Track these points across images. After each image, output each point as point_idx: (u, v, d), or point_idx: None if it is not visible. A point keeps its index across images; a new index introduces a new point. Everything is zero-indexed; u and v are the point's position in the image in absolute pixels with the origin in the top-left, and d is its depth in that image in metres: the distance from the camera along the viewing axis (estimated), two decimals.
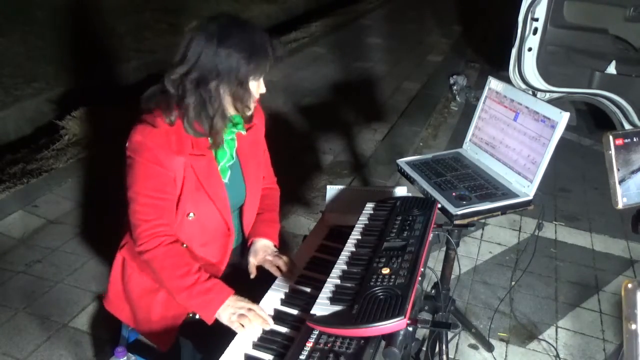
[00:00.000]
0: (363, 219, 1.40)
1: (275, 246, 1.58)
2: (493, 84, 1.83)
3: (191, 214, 1.42)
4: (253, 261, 1.52)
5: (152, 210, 1.36)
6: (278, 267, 1.48)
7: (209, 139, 1.39)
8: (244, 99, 1.36)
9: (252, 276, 1.51)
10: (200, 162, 1.39)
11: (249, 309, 1.28)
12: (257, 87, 1.39)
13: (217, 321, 1.31)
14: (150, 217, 1.36)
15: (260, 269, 1.52)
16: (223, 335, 1.25)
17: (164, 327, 1.49)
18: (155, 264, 1.36)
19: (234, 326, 1.26)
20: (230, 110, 1.39)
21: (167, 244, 1.37)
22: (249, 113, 1.43)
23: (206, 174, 1.41)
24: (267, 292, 1.39)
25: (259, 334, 1.24)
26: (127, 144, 1.36)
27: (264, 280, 1.45)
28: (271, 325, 1.26)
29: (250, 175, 1.55)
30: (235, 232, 1.58)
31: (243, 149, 1.52)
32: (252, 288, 1.42)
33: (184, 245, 1.44)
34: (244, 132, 1.48)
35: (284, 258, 1.50)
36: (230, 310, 1.29)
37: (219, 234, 1.51)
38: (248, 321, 1.25)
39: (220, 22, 1.32)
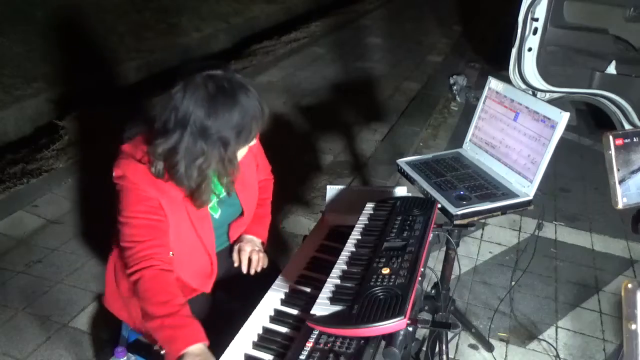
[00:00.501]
0: (363, 219, 1.40)
1: (262, 243, 1.63)
2: (493, 84, 1.83)
3: (170, 253, 1.38)
4: (235, 247, 1.58)
5: (147, 231, 1.31)
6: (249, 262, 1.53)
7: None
8: (229, 171, 1.33)
9: (236, 264, 1.55)
10: (190, 205, 1.37)
11: None
12: (245, 149, 1.36)
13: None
14: (145, 238, 1.31)
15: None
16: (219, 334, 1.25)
17: None
18: (140, 285, 1.29)
19: None
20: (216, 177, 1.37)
21: (158, 268, 1.31)
22: (229, 182, 1.40)
23: (198, 216, 1.40)
24: (266, 292, 1.39)
25: (244, 353, 1.18)
26: (113, 173, 1.34)
27: (261, 282, 1.45)
28: None
29: (246, 200, 1.56)
30: (224, 237, 1.60)
31: (237, 177, 1.48)
32: (250, 289, 1.43)
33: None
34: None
35: (260, 254, 1.56)
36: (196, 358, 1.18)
37: (202, 266, 1.50)
38: None
39: (208, 89, 1.22)
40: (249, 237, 1.62)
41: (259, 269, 1.56)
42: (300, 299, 1.36)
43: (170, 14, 6.55)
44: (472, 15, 8.10)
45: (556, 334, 2.30)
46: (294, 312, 1.32)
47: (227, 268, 1.62)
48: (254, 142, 1.40)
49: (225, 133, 1.25)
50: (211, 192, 1.38)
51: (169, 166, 1.28)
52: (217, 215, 1.50)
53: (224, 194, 1.48)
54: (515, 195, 1.65)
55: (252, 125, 1.29)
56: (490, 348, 2.16)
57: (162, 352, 1.31)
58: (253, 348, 1.22)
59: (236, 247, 1.59)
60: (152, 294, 1.28)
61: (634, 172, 1.09)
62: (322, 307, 1.10)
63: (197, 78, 1.24)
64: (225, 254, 1.63)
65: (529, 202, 1.64)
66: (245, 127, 1.27)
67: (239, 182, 1.50)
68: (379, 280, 1.10)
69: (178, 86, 1.25)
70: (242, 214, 1.59)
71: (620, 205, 1.10)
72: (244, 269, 1.54)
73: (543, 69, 3.83)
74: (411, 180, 1.79)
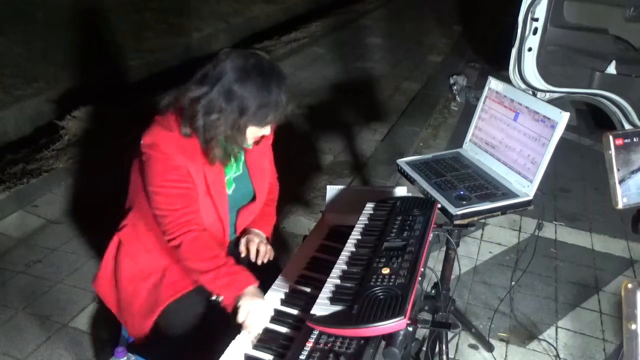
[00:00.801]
0: (363, 219, 1.40)
1: (267, 238, 1.66)
2: (493, 84, 1.83)
3: None
4: (243, 240, 1.61)
5: (179, 199, 1.40)
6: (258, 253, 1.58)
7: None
8: (237, 140, 1.40)
9: (243, 254, 1.59)
10: (212, 172, 1.45)
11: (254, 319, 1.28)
12: (257, 131, 1.42)
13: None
14: (178, 206, 1.39)
15: (256, 267, 1.56)
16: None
17: (142, 317, 1.51)
18: (184, 248, 1.39)
19: (243, 324, 1.26)
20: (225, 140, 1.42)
21: (198, 231, 1.41)
22: (236, 151, 1.46)
23: (215, 184, 1.47)
24: (267, 292, 1.39)
25: (244, 353, 1.21)
26: (141, 141, 1.40)
27: (264, 279, 1.45)
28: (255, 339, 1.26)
29: (258, 184, 1.62)
30: (231, 228, 1.63)
31: (252, 160, 1.59)
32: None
33: None
34: (250, 146, 1.52)
35: (268, 247, 1.60)
36: (248, 299, 1.30)
37: (216, 234, 1.55)
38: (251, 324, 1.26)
39: (249, 60, 1.34)
40: (255, 230, 1.65)
41: (265, 260, 1.59)
42: (300, 299, 1.36)
43: (170, 14, 6.55)
44: (472, 15, 8.10)
45: (556, 334, 2.30)
46: (294, 312, 1.33)
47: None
48: (267, 131, 1.44)
49: (246, 103, 1.33)
50: (222, 152, 1.42)
51: (190, 115, 1.36)
52: (230, 191, 1.54)
53: (240, 171, 1.56)
54: (515, 195, 1.65)
55: (270, 110, 1.36)
56: (490, 348, 2.16)
57: (220, 299, 1.40)
58: (253, 348, 1.22)
59: (243, 240, 1.62)
60: (198, 252, 1.39)
61: (634, 172, 1.09)
62: (322, 307, 1.10)
63: (244, 51, 1.38)
64: (230, 247, 1.64)
65: (529, 202, 1.64)
66: (264, 108, 1.34)
67: (254, 167, 1.59)
68: (379, 280, 1.10)
69: (226, 49, 1.38)
70: (253, 198, 1.63)
71: (620, 205, 1.10)
72: (253, 258, 1.58)
73: (543, 69, 3.83)
74: (411, 180, 1.79)
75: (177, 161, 1.38)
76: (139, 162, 1.46)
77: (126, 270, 1.55)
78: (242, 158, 1.58)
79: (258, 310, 1.28)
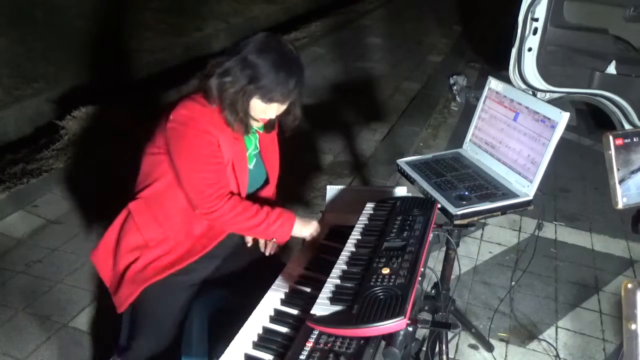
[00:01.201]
0: (363, 219, 1.40)
1: None
2: (493, 84, 1.83)
3: None
4: None
5: (212, 175, 1.47)
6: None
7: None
8: (237, 106, 1.43)
9: (249, 244, 1.67)
10: (237, 146, 1.52)
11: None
12: (261, 107, 1.46)
13: None
14: (212, 182, 1.47)
15: (258, 264, 1.61)
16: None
17: (129, 287, 1.53)
18: (226, 217, 1.49)
19: (309, 237, 1.57)
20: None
21: (233, 198, 1.51)
22: (234, 126, 1.48)
23: (239, 157, 1.54)
24: (267, 292, 1.39)
25: (244, 353, 1.20)
26: (171, 117, 1.44)
27: (264, 277, 1.46)
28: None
29: (270, 165, 1.70)
30: None
31: (264, 143, 1.66)
32: (252, 284, 1.48)
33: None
34: (261, 131, 1.61)
35: (274, 239, 1.64)
36: (303, 226, 1.57)
37: None
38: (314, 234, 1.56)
39: (272, 41, 1.44)
40: None
41: (273, 251, 1.67)
42: (300, 299, 1.36)
43: (170, 14, 6.55)
44: (472, 15, 8.10)
45: (556, 334, 2.30)
46: (294, 312, 1.32)
47: (233, 260, 1.67)
48: (272, 114, 1.49)
49: (256, 73, 1.40)
50: (231, 115, 1.46)
51: (208, 75, 1.44)
52: (251, 166, 1.61)
53: (257, 149, 1.64)
54: (515, 195, 1.64)
55: (277, 87, 1.42)
56: (490, 348, 2.16)
57: (273, 241, 1.62)
58: (253, 348, 1.22)
59: None
60: (242, 213, 1.50)
61: (634, 172, 1.09)
62: (322, 307, 1.10)
63: (274, 35, 1.47)
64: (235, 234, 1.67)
65: (529, 202, 1.64)
66: (272, 84, 1.41)
67: (266, 150, 1.66)
68: (379, 280, 1.10)
69: (263, 33, 1.47)
70: (266, 181, 1.70)
71: (620, 205, 1.10)
72: (262, 248, 1.67)
73: (543, 69, 3.83)
74: (411, 180, 1.79)
75: (211, 134, 1.44)
76: (165, 139, 1.49)
77: (130, 239, 1.56)
78: (257, 137, 1.63)
79: (311, 227, 1.58)
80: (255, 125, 1.55)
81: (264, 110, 1.47)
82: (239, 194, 1.57)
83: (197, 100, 1.46)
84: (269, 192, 1.73)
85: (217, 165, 1.48)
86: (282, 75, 1.41)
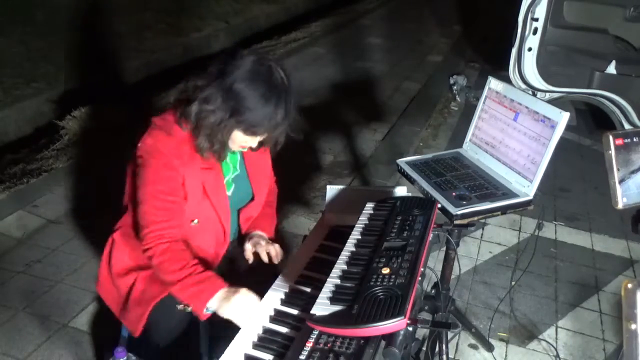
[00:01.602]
0: (363, 219, 1.40)
1: (270, 238, 1.64)
2: (493, 84, 1.83)
3: (195, 221, 1.48)
4: (249, 247, 1.58)
5: (163, 212, 1.40)
6: (269, 255, 1.56)
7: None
8: (216, 137, 1.35)
9: (250, 261, 1.58)
10: (209, 175, 1.45)
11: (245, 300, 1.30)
12: (243, 139, 1.39)
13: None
14: (160, 219, 1.39)
15: (256, 268, 1.55)
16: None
17: (137, 306, 1.51)
18: (155, 260, 1.40)
19: (234, 320, 1.27)
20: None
21: (169, 243, 1.41)
22: (213, 155, 1.42)
23: (213, 187, 1.46)
24: (266, 292, 1.39)
25: (244, 353, 1.20)
26: (139, 145, 1.40)
27: (262, 280, 1.45)
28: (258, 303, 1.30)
29: (257, 183, 1.61)
30: (233, 228, 1.64)
31: (250, 160, 1.58)
32: (250, 287, 1.42)
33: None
34: (233, 151, 1.50)
35: (276, 246, 1.57)
36: (225, 303, 1.30)
37: (217, 235, 1.56)
38: (247, 313, 1.27)
39: (262, 66, 1.32)
40: (258, 232, 1.63)
41: (278, 260, 1.57)
42: (300, 299, 1.36)
43: (170, 14, 6.55)
44: (472, 15, 8.10)
45: (556, 334, 2.30)
46: (294, 312, 1.32)
47: (234, 256, 1.65)
48: (254, 143, 1.42)
49: (240, 106, 1.31)
50: (207, 144, 1.38)
51: (189, 99, 1.35)
52: (230, 193, 1.53)
53: (238, 171, 1.55)
54: (515, 195, 1.64)
55: (261, 122, 1.33)
56: (490, 348, 2.16)
57: (189, 309, 1.43)
58: (253, 348, 1.22)
59: (249, 245, 1.58)
60: (167, 265, 1.39)
61: (634, 172, 1.09)
62: (322, 307, 1.10)
63: (264, 57, 1.36)
64: (233, 247, 1.65)
65: (529, 202, 1.64)
66: (255, 118, 1.32)
67: (253, 166, 1.58)
68: (379, 280, 1.10)
69: (245, 51, 1.36)
70: (252, 198, 1.63)
71: (620, 205, 1.10)
72: (266, 260, 1.56)
73: (543, 69, 3.83)
74: (411, 180, 1.79)
75: (174, 169, 1.37)
76: (134, 166, 1.45)
77: (119, 265, 1.56)
78: (239, 158, 1.57)
79: (234, 309, 1.28)
80: (213, 155, 1.44)
81: (245, 141, 1.40)
82: (221, 224, 1.51)
83: (164, 126, 1.38)
84: (253, 210, 1.64)
85: (171, 204, 1.40)
86: (269, 109, 1.32)
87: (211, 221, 1.51)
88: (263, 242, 1.58)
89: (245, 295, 1.31)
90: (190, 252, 1.46)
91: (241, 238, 1.67)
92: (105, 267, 1.62)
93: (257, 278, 1.52)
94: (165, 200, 1.39)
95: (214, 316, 1.37)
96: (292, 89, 1.37)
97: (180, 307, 1.47)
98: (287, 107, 1.35)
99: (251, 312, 1.27)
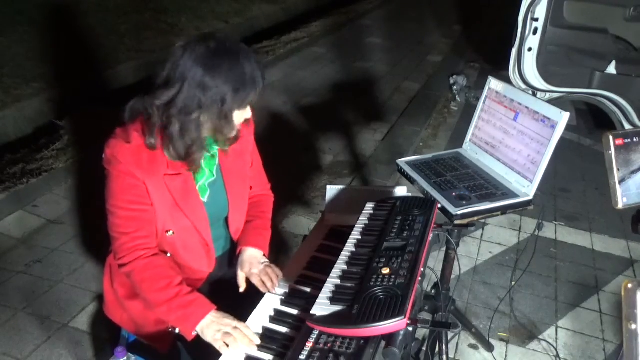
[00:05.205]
0: (363, 219, 1.40)
1: (264, 255, 1.53)
2: (493, 84, 1.83)
3: (170, 232, 1.39)
4: (242, 274, 1.47)
5: (132, 222, 1.32)
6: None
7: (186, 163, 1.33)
8: (225, 131, 1.30)
9: (242, 289, 1.47)
10: (176, 181, 1.35)
11: (235, 327, 1.23)
12: (241, 115, 1.32)
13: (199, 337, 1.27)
14: (130, 230, 1.32)
15: (249, 282, 1.47)
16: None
17: (160, 328, 1.46)
18: (134, 277, 1.33)
19: (218, 345, 1.21)
20: (211, 136, 1.35)
21: (147, 256, 1.34)
22: (227, 143, 1.38)
23: (182, 194, 1.36)
24: (256, 305, 1.35)
25: (244, 353, 1.20)
26: (102, 156, 1.33)
27: (253, 294, 1.41)
28: (256, 344, 1.21)
29: (233, 190, 1.49)
30: (223, 240, 1.57)
31: (226, 165, 1.47)
32: (240, 302, 1.40)
33: (168, 254, 1.42)
34: (225, 149, 1.42)
35: (273, 269, 1.46)
36: (214, 327, 1.24)
37: (199, 247, 1.47)
38: (233, 340, 1.20)
39: (209, 46, 1.22)
40: (249, 253, 1.51)
41: (277, 283, 1.44)
42: (300, 299, 1.36)
43: (170, 14, 6.55)
44: (473, 15, 8.10)
45: (556, 334, 2.30)
46: (294, 312, 1.32)
47: (224, 274, 1.60)
48: (249, 113, 1.34)
49: (223, 90, 1.22)
50: (205, 150, 1.34)
51: (162, 124, 1.26)
52: (205, 199, 1.43)
53: (214, 176, 1.44)
54: (515, 195, 1.64)
55: (249, 88, 1.26)
56: (490, 348, 2.16)
57: (177, 330, 1.35)
58: None
59: (241, 275, 1.47)
60: (149, 283, 1.31)
61: (634, 172, 1.09)
62: (322, 307, 1.10)
63: (198, 37, 1.25)
64: (224, 261, 1.60)
65: (529, 202, 1.64)
66: (243, 87, 1.24)
67: (229, 171, 1.47)
68: (379, 280, 1.10)
69: (179, 44, 1.25)
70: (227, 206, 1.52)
71: (620, 205, 1.10)
72: (263, 290, 1.43)
73: (543, 69, 3.83)
74: (411, 180, 1.79)
75: (134, 176, 1.29)
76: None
77: (124, 289, 1.49)
78: (216, 162, 1.45)
79: (218, 336, 1.22)
80: (226, 143, 1.38)
81: (243, 115, 1.33)
82: (198, 233, 1.41)
83: (122, 134, 1.30)
84: (236, 219, 1.53)
85: (141, 213, 1.32)
86: (248, 74, 1.24)
87: (188, 231, 1.41)
88: (256, 269, 1.46)
89: (230, 323, 1.24)
90: (173, 266, 1.39)
91: (232, 254, 1.58)
92: (109, 291, 1.55)
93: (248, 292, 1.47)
94: (134, 210, 1.31)
95: None
96: (244, 45, 1.28)
97: (169, 329, 1.42)
98: (254, 59, 1.27)
99: (234, 342, 1.20)
